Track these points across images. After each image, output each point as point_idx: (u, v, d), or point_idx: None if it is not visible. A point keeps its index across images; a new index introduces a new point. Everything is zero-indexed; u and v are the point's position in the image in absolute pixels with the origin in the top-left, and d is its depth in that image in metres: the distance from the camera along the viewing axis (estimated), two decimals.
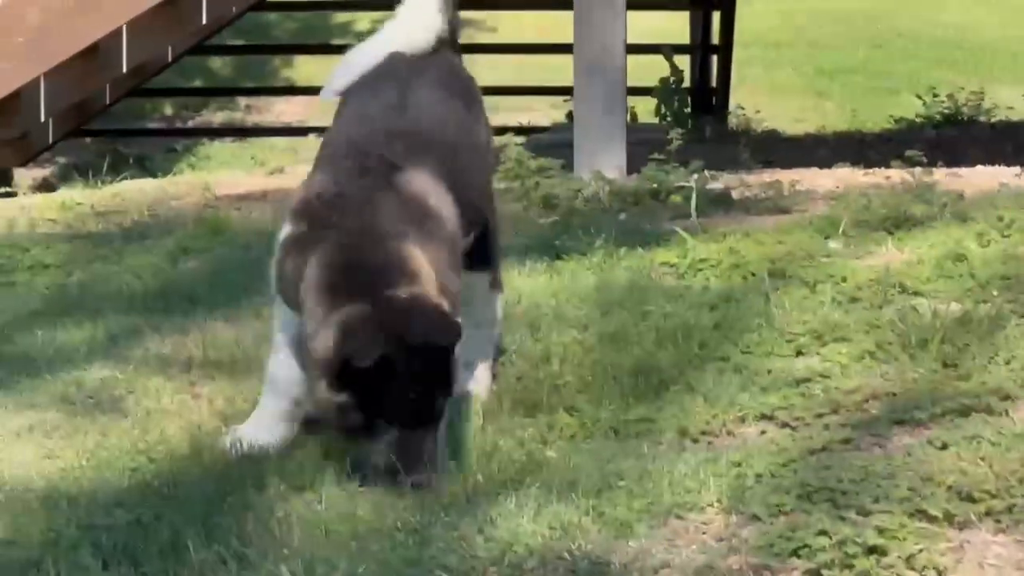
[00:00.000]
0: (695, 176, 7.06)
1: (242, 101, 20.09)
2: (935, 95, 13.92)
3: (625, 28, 7.36)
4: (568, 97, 12.13)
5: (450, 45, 4.79)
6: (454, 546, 3.77)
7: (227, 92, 19.47)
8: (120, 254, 7.04)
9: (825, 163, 8.29)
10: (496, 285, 4.75)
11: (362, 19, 20.57)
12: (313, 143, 11.85)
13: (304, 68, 20.08)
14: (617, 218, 6.72)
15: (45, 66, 10.92)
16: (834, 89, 20.33)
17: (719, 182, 7.28)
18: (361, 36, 22.50)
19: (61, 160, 14.88)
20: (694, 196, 6.82)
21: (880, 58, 21.58)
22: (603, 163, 7.41)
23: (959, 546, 3.59)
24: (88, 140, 14.66)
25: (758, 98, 15.69)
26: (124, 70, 11.72)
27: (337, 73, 4.77)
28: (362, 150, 4.44)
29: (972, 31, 22.68)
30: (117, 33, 11.12)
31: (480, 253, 4.64)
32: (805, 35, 22.37)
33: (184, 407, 4.86)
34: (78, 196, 8.87)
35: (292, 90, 18.77)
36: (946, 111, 13.63)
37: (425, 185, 4.35)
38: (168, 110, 19.15)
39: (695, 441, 4.35)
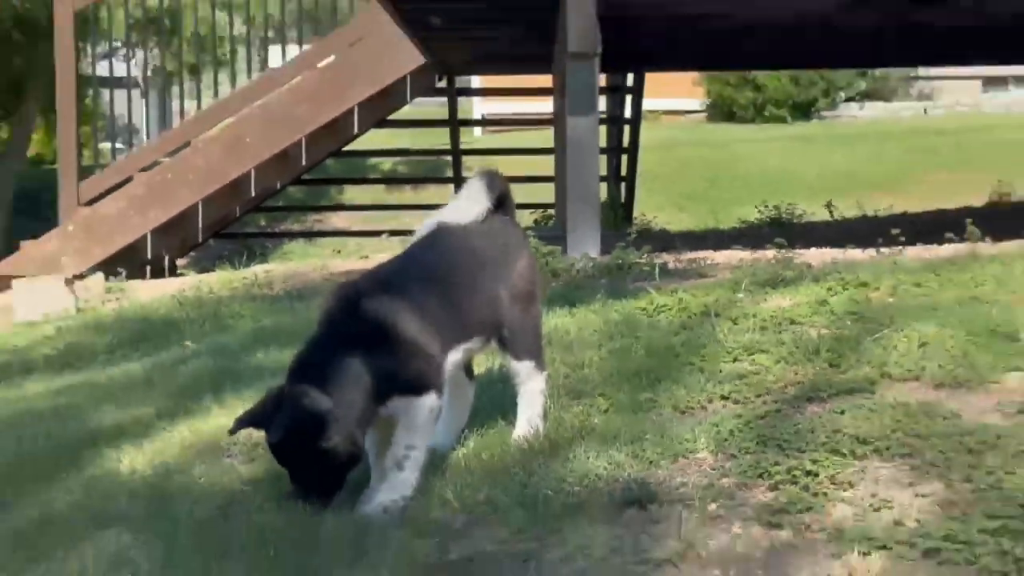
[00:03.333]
0: (647, 255, 7.26)
1: (310, 215, 20.24)
2: (766, 206, 14.16)
3: (598, 167, 7.56)
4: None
5: (499, 210, 4.37)
6: (551, 475, 3.89)
7: (300, 209, 19.58)
8: (291, 307, 7.15)
9: (716, 247, 8.38)
10: (538, 367, 4.35)
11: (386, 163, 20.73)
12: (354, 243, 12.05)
13: (349, 193, 20.28)
14: (600, 282, 6.80)
15: (205, 193, 11.14)
16: (692, 206, 20.56)
17: (661, 258, 7.37)
18: (385, 173, 22.58)
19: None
20: (657, 268, 6.91)
21: (725, 186, 21.94)
22: (586, 248, 7.51)
23: (861, 470, 3.72)
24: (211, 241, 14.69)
25: (643, 209, 15.85)
26: (252, 195, 11.94)
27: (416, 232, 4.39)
28: (355, 282, 4.15)
29: (786, 170, 23.10)
30: (248, 173, 11.35)
31: (516, 346, 4.28)
32: (664, 170, 22.62)
33: None
34: (234, 274, 8.99)
35: (341, 207, 18.90)
36: (772, 216, 13.85)
37: (390, 309, 3.97)
38: (262, 221, 19.21)
39: (683, 412, 4.42)
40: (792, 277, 6.26)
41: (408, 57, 12.12)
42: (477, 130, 23.59)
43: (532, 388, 4.37)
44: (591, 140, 7.28)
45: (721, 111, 33.55)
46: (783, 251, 7.01)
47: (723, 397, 4.54)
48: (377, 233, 12.01)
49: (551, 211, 13.08)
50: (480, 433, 4.41)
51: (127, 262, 11.24)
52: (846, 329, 5.11)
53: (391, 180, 20.40)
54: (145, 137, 15.40)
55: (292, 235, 18.99)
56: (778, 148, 26.63)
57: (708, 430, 4.14)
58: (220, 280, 8.61)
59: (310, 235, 19.06)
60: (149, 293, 8.85)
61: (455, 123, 14.21)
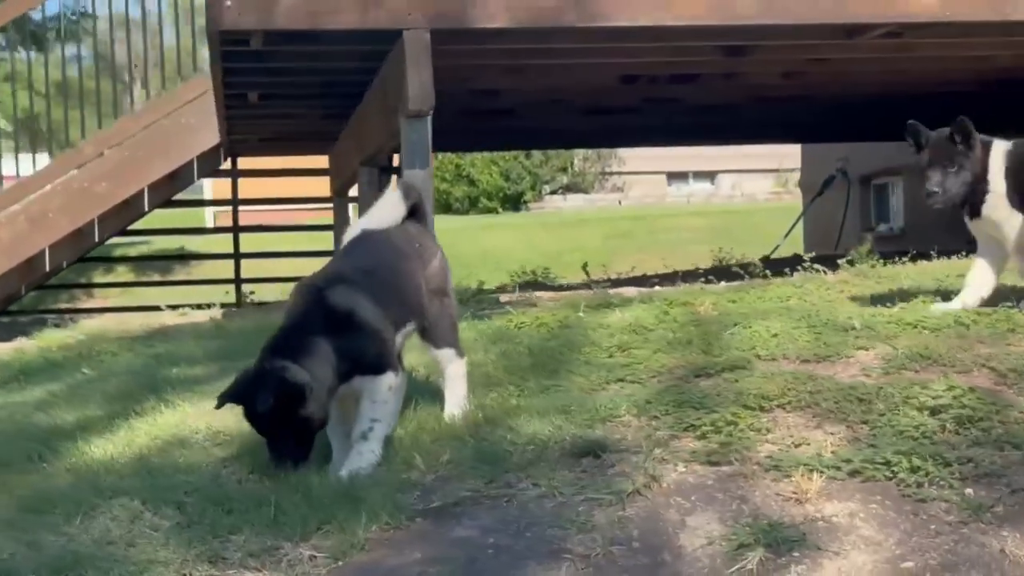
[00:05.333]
0: (481, 293, 7.53)
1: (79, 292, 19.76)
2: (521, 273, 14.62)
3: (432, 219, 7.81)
4: None
5: (413, 217, 4.70)
6: (500, 439, 4.15)
7: (72, 286, 19.05)
8: (154, 345, 7.05)
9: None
10: (458, 353, 4.64)
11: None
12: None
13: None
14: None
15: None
16: None
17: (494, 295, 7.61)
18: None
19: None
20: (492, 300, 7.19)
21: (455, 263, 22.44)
22: None
23: (772, 419, 4.12)
24: None
25: None
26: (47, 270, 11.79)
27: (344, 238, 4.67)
28: (314, 279, 4.39)
29: (503, 250, 23.80)
30: (43, 251, 11.23)
31: (437, 336, 4.56)
32: None
33: None
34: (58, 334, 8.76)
35: (114, 284, 18.58)
36: (528, 279, 14.29)
37: (346, 296, 4.24)
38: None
39: (589, 392, 4.68)
40: (620, 303, 6.61)
41: (199, 139, 12.23)
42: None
43: (454, 372, 4.64)
44: (426, 190, 7.56)
45: (438, 203, 34.26)
46: (595, 289, 7.40)
47: (619, 380, 4.83)
48: (135, 309, 12.02)
49: None
50: (413, 415, 4.61)
51: None
52: (697, 329, 5.46)
53: (174, 257, 20.08)
54: None
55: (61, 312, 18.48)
56: (493, 234, 27.41)
57: (625, 399, 4.43)
58: (48, 338, 8.37)
59: (80, 311, 18.59)
60: None
61: (236, 202, 14.32)
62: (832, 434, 4.01)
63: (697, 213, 32.29)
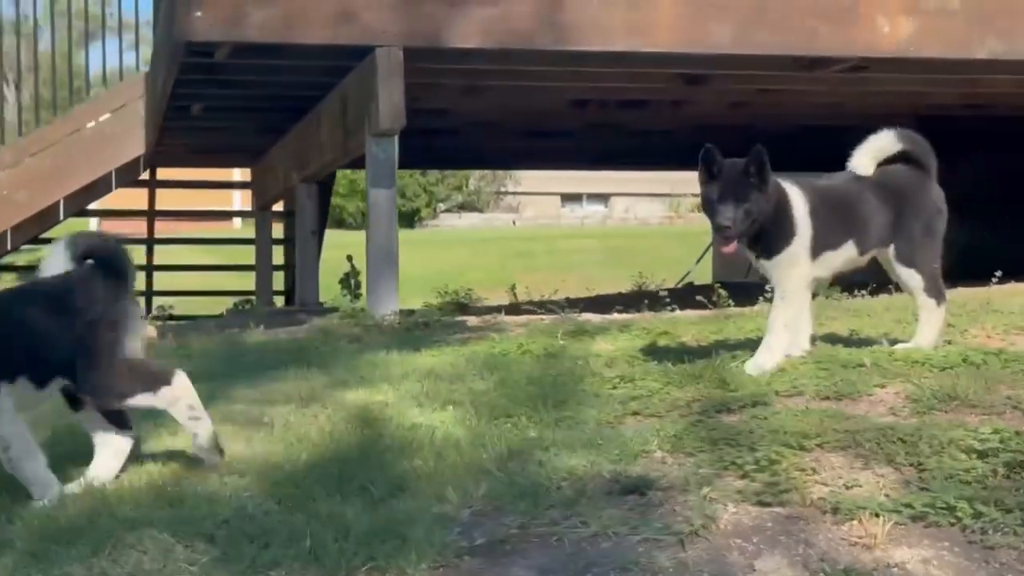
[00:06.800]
0: (446, 315, 7.40)
1: None
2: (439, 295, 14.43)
3: (396, 233, 7.67)
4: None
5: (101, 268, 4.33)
6: (533, 473, 4.00)
7: None
8: None
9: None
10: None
11: None
12: None
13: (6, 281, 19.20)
14: (416, 334, 6.89)
15: None
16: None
17: (459, 317, 7.50)
18: None
19: None
20: (459, 324, 7.08)
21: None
22: (389, 305, 7.56)
23: (815, 459, 3.98)
24: None
25: None
26: None
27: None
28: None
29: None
30: None
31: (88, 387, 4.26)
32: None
33: None
34: None
35: None
36: (454, 300, 14.13)
37: None
38: None
39: (609, 425, 4.51)
40: (595, 329, 6.52)
41: (123, 150, 11.94)
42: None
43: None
44: (391, 209, 7.42)
45: (332, 218, 33.93)
46: (563, 313, 7.29)
47: (634, 413, 4.69)
48: None
49: (250, 297, 13.11)
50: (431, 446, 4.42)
51: None
52: (697, 361, 5.33)
53: None
54: None
55: None
56: None
57: (654, 434, 4.29)
58: None
59: None
60: None
61: (152, 213, 13.98)
62: (882, 476, 3.91)
63: (592, 235, 32.49)
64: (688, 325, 6.54)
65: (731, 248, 5.08)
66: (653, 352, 5.70)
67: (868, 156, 5.38)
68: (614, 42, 7.33)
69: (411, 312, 7.56)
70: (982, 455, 3.94)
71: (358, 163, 8.09)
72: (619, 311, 7.52)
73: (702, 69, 8.28)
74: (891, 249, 5.34)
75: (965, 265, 9.68)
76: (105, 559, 3.54)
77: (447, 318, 7.27)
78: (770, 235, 5.14)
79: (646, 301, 7.90)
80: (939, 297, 5.38)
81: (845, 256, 5.29)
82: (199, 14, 6.78)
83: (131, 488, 4.15)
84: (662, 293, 8.66)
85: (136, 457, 4.46)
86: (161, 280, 14.98)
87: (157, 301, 14.02)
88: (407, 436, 4.48)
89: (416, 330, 7.02)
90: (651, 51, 7.47)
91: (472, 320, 7.44)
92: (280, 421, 4.78)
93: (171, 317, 12.68)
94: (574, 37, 7.28)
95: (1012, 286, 8.07)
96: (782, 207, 5.13)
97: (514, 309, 8.56)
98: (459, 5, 6.96)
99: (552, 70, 8.05)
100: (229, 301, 14.19)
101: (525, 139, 11.66)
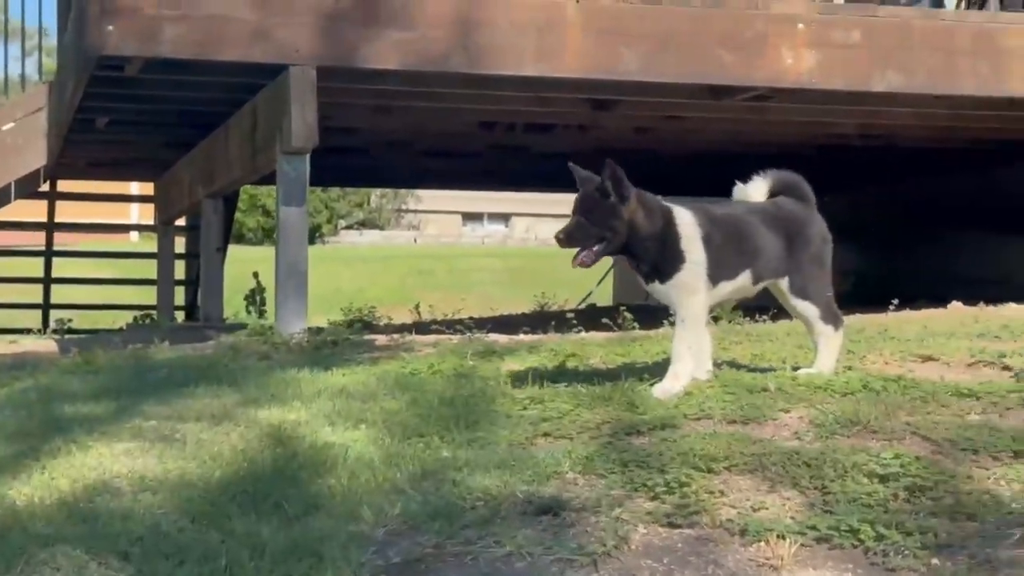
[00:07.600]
0: (355, 333, 7.40)
1: None
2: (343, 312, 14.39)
3: (307, 252, 7.65)
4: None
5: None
6: (448, 493, 4.02)
7: None
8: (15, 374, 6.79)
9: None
10: None
11: None
12: None
13: None
14: (325, 352, 6.87)
15: None
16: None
17: (368, 336, 7.50)
18: None
19: None
20: (366, 339, 7.07)
21: None
22: (298, 323, 7.56)
23: (724, 482, 4.06)
24: None
25: None
26: None
27: None
28: None
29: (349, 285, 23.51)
30: None
31: None
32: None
33: None
34: None
35: None
36: (359, 318, 14.09)
37: None
38: None
39: (520, 446, 4.54)
40: (503, 350, 6.56)
41: (23, 160, 11.77)
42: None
43: None
44: (301, 227, 7.42)
45: (232, 233, 33.67)
46: (470, 333, 7.33)
47: (546, 434, 4.72)
48: None
49: (150, 311, 13.01)
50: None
51: None
52: (605, 383, 5.37)
53: None
54: None
55: None
56: None
57: (567, 455, 4.33)
58: None
59: None
60: None
61: (51, 226, 13.82)
62: (788, 499, 4.01)
63: (493, 255, 32.60)
64: (595, 347, 6.61)
65: (580, 263, 5.12)
66: (562, 374, 5.76)
67: (756, 189, 5.49)
68: (525, 66, 7.42)
69: (319, 330, 7.55)
70: (884, 479, 4.06)
71: (266, 180, 8.14)
72: (526, 332, 7.55)
73: (610, 95, 8.40)
74: (785, 282, 5.42)
75: (861, 292, 9.96)
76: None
77: (355, 337, 7.26)
78: (660, 258, 5.17)
79: (552, 322, 7.99)
80: (836, 322, 5.50)
81: (739, 284, 5.38)
82: (111, 28, 6.74)
83: (42, 504, 4.10)
84: (569, 315, 8.73)
85: (43, 471, 4.39)
86: (59, 293, 14.80)
87: (55, 314, 13.85)
88: (320, 455, 4.49)
89: (325, 348, 7.00)
90: (560, 76, 7.57)
91: (380, 339, 7.43)
92: (192, 438, 4.75)
93: (70, 331, 12.54)
94: (486, 61, 7.35)
95: (907, 313, 8.25)
96: (670, 229, 5.16)
97: (421, 328, 8.56)
98: (375, 26, 7.01)
99: (463, 92, 8.12)
100: (128, 315, 14.08)
101: (433, 159, 11.73)
